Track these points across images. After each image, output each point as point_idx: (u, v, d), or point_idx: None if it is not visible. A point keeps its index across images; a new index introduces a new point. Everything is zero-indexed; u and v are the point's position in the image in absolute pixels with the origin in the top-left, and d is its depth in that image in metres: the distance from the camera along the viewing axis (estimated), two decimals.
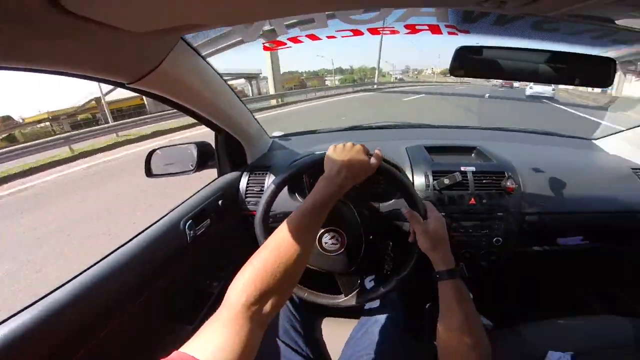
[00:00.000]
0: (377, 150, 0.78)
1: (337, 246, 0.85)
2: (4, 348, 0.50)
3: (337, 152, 0.73)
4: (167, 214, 0.99)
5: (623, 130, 1.41)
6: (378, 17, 0.71)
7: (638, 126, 1.34)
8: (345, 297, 0.90)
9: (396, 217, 1.02)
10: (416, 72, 76.33)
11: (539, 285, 1.66)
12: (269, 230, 0.88)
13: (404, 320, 0.97)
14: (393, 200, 1.07)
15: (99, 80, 0.56)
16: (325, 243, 0.85)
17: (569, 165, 1.27)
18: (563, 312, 1.00)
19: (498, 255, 1.13)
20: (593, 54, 0.68)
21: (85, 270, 0.72)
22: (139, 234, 0.89)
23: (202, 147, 1.26)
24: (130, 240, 0.85)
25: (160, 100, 0.77)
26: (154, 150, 1.25)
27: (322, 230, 0.85)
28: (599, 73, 0.73)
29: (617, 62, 0.68)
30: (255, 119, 1.31)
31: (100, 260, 0.76)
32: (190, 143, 1.26)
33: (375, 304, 1.00)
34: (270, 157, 1.40)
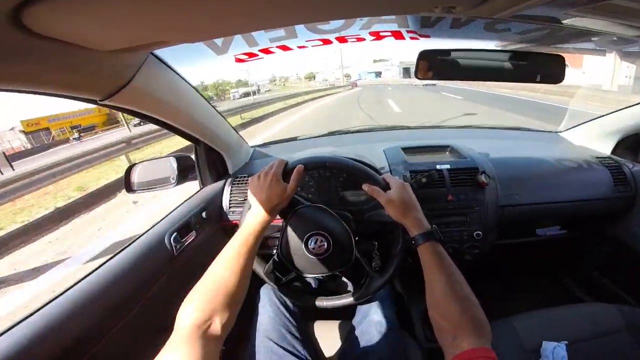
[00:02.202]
0: (297, 168, 0.78)
1: (325, 248, 0.85)
2: None
3: (253, 186, 0.78)
4: (150, 229, 0.99)
5: (586, 122, 1.49)
6: (344, 26, 0.74)
7: (598, 117, 1.42)
8: (361, 289, 0.89)
9: (379, 218, 1.04)
10: (283, 80, 74.47)
11: (524, 277, 1.72)
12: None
13: (397, 317, 0.99)
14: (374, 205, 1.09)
15: (70, 98, 0.57)
16: (313, 248, 0.85)
17: (538, 158, 1.33)
18: (551, 301, 1.04)
19: (480, 249, 1.16)
20: (543, 51, 0.73)
21: (70, 288, 0.71)
22: (123, 249, 0.88)
23: (181, 160, 1.26)
24: (115, 255, 0.85)
25: (135, 115, 0.78)
26: (133, 165, 1.25)
27: (307, 236, 0.86)
28: (553, 69, 0.78)
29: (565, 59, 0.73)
30: (234, 129, 1.32)
31: (85, 277, 0.76)
32: (170, 156, 1.26)
33: (367, 304, 1.02)
34: (253, 165, 1.42)
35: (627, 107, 1.28)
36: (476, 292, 0.62)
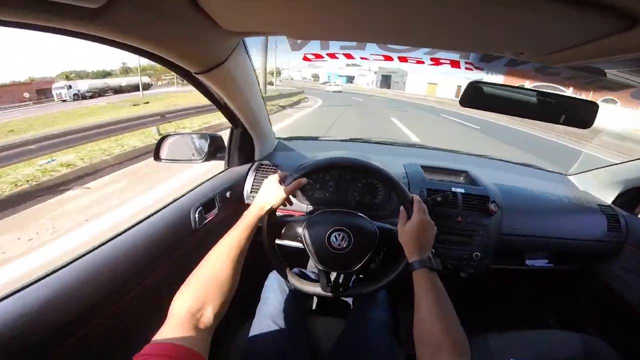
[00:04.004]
0: (298, 181, 0.90)
1: (345, 244, 0.89)
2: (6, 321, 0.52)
3: (263, 185, 0.91)
4: (175, 200, 1.03)
5: (594, 169, 1.58)
6: (411, 49, 0.81)
7: (607, 166, 1.52)
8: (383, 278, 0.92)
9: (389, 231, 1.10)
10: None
11: (505, 299, 1.81)
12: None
13: (390, 322, 1.04)
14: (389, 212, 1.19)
15: (173, 66, 0.61)
16: (338, 245, 0.89)
17: (544, 196, 1.42)
18: (524, 324, 1.13)
19: (476, 269, 1.25)
20: (580, 97, 0.82)
21: (93, 250, 0.74)
22: (148, 217, 0.91)
23: (213, 139, 1.30)
24: (140, 222, 0.88)
25: (205, 94, 0.83)
26: (166, 135, 1.29)
27: (330, 230, 0.89)
28: (585, 114, 0.86)
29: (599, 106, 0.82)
30: (269, 119, 1.37)
31: (109, 240, 0.78)
32: (203, 133, 1.31)
33: (366, 305, 1.07)
34: (276, 156, 1.47)
35: (636, 159, 1.36)
36: (464, 306, 0.67)
